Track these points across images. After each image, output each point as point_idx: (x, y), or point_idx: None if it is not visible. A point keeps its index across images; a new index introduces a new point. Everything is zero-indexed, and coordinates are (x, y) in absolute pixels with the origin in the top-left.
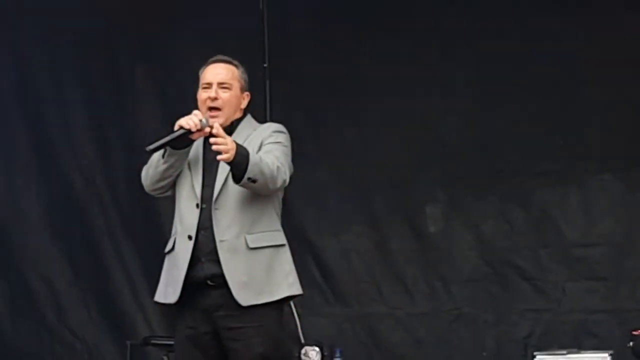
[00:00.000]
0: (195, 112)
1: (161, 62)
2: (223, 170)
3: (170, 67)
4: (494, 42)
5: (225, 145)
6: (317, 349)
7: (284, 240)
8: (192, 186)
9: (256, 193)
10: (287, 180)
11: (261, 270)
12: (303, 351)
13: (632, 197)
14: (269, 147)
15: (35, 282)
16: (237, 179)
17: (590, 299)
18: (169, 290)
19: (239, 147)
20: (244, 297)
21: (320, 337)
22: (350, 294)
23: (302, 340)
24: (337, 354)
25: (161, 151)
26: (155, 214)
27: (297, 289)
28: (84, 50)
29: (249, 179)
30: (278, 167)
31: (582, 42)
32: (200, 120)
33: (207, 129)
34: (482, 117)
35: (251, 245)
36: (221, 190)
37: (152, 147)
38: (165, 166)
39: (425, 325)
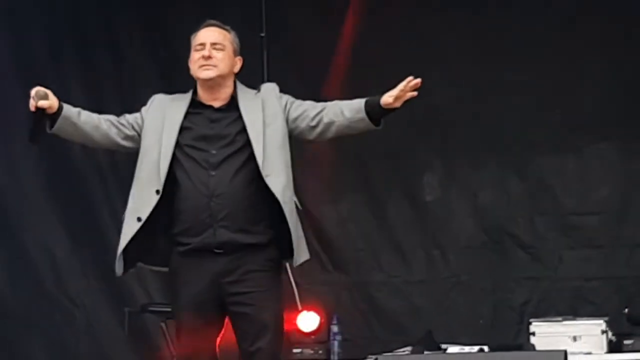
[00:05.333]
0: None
1: (160, 33)
2: (256, 138)
3: (169, 37)
4: (491, 11)
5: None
6: None
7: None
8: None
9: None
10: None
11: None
12: None
13: (628, 165)
14: (301, 103)
15: (34, 250)
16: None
17: (587, 266)
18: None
19: None
20: (297, 256)
21: (319, 304)
22: (348, 262)
23: (300, 308)
24: (334, 321)
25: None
26: None
27: (307, 254)
28: (82, 22)
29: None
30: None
31: (577, 11)
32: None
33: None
34: (479, 87)
35: (300, 207)
36: (264, 155)
37: (33, 140)
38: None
39: (422, 292)
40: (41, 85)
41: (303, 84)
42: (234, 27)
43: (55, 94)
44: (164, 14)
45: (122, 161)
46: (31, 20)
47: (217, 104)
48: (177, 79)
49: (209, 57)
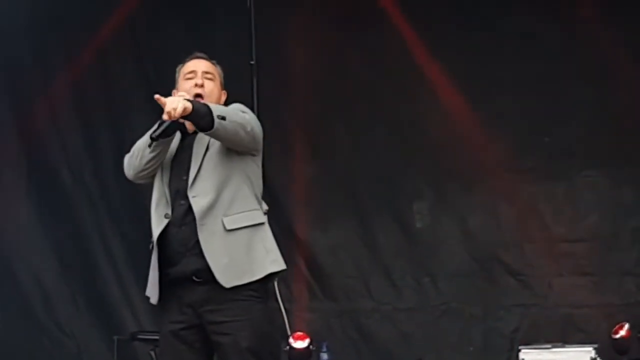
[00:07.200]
0: (179, 96)
1: (151, 60)
2: (196, 159)
3: (160, 64)
4: (481, 39)
5: (172, 103)
6: None
7: (262, 219)
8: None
9: (232, 146)
10: (256, 130)
11: (241, 251)
12: None
13: (617, 192)
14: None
15: (24, 277)
16: (210, 123)
17: (576, 293)
18: (151, 289)
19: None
20: (226, 279)
21: (309, 331)
22: (338, 289)
23: (289, 335)
24: (324, 348)
25: (146, 140)
26: (144, 210)
27: (279, 265)
28: (75, 48)
29: (218, 116)
30: (244, 112)
31: (567, 39)
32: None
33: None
34: (468, 114)
35: (228, 227)
36: (196, 177)
37: (156, 134)
38: (152, 155)
39: (412, 319)
40: (33, 112)
41: (292, 112)
42: (224, 54)
43: (46, 124)
44: (155, 40)
45: (112, 188)
46: (22, 45)
47: (191, 130)
48: None
49: (202, 86)
